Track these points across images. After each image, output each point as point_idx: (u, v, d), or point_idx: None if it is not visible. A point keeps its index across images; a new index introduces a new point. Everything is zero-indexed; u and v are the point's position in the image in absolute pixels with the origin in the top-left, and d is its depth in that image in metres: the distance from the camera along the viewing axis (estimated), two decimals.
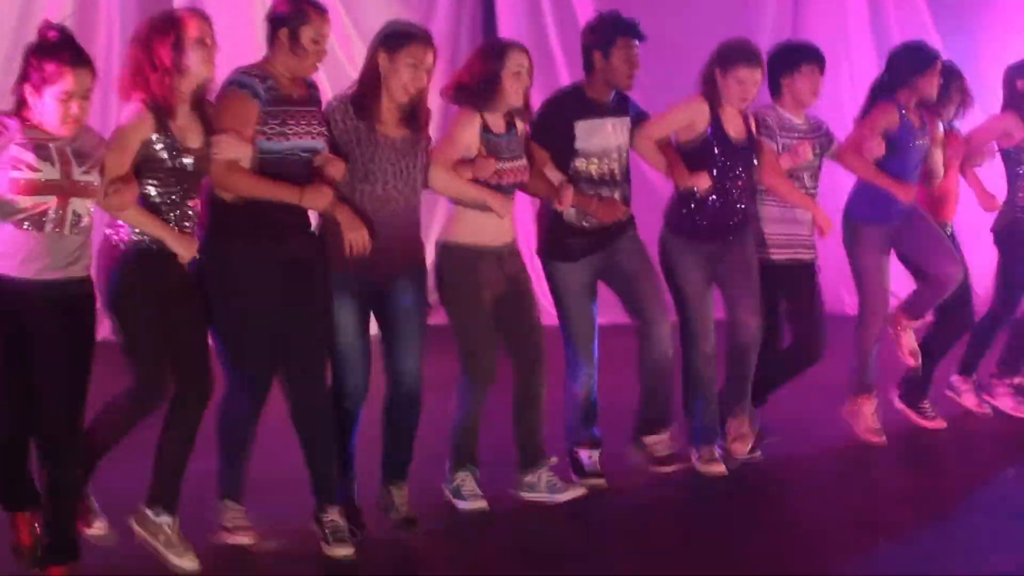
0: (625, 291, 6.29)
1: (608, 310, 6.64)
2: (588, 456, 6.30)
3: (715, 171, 6.30)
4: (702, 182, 6.26)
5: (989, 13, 11.61)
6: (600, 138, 6.15)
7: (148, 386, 4.97)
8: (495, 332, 5.82)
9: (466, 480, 5.91)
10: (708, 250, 6.39)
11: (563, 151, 6.10)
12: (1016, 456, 7.00)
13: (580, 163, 6.13)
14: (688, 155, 6.31)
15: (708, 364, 6.44)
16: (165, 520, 5.09)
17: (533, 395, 5.95)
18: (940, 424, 7.37)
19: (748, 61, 6.31)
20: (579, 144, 6.12)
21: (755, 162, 6.46)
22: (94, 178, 4.76)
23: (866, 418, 7.10)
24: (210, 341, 5.19)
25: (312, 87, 5.40)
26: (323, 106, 5.42)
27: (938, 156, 7.20)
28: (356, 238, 5.31)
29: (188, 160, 4.99)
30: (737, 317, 6.46)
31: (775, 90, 6.70)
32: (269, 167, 5.17)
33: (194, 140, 5.03)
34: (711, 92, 6.33)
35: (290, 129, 5.21)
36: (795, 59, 6.65)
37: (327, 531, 5.37)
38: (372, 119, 5.40)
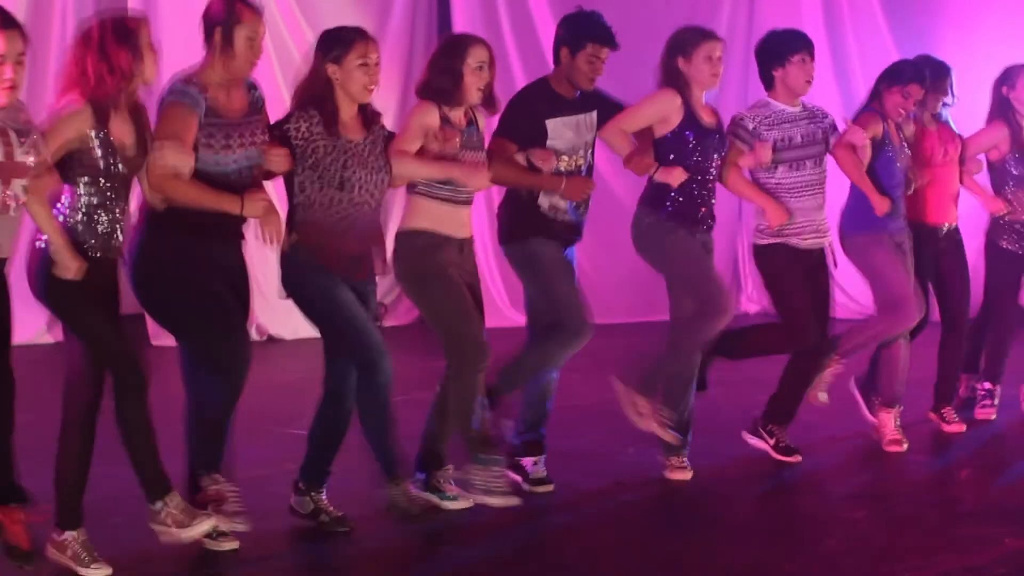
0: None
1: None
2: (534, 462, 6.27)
3: (694, 161, 6.22)
4: (674, 177, 6.20)
5: (941, 9, 11.67)
6: (571, 136, 6.11)
7: (123, 367, 4.99)
8: (473, 307, 5.73)
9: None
10: (698, 238, 6.29)
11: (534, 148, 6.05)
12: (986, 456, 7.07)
13: None
14: (666, 148, 6.22)
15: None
16: (70, 534, 5.03)
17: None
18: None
19: (708, 37, 6.26)
20: (551, 142, 6.06)
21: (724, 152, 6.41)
22: (31, 158, 4.77)
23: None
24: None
25: (253, 89, 5.39)
26: (265, 107, 5.40)
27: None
28: (271, 227, 5.24)
29: (122, 164, 4.98)
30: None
31: (767, 82, 6.66)
32: (214, 180, 5.18)
33: (129, 143, 5.03)
34: (677, 83, 6.25)
35: (235, 142, 5.22)
36: (786, 50, 6.58)
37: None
38: (335, 129, 5.43)
